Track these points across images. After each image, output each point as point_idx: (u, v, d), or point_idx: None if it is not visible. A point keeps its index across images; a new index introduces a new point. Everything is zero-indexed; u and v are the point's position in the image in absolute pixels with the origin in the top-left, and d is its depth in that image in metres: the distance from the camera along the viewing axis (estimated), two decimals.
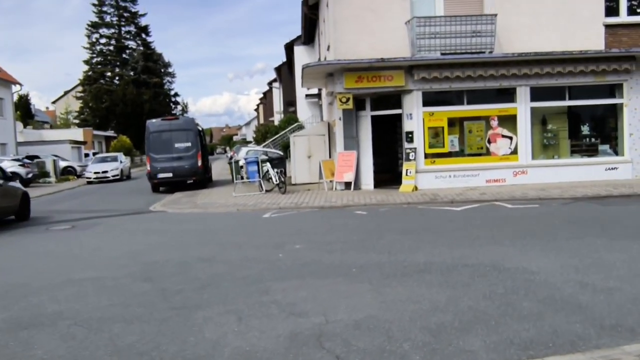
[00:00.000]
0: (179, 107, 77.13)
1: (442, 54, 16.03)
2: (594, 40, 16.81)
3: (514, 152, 17.02)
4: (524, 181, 16.78)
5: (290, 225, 11.62)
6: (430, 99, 17.05)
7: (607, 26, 16.79)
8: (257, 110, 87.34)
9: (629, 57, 16.45)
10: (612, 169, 16.95)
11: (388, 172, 20.20)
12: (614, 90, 17.28)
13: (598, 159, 17.19)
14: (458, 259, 7.44)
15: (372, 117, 17.62)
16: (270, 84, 54.27)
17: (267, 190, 18.46)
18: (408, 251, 8.09)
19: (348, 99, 16.62)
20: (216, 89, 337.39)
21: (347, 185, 17.71)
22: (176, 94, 76.75)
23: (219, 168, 36.83)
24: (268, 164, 18.83)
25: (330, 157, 20.29)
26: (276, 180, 18.16)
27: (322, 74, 17.35)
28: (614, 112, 17.43)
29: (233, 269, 7.51)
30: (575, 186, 15.97)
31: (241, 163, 20.96)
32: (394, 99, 17.37)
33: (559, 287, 5.94)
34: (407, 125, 16.92)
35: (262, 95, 71.20)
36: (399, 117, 17.30)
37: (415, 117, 16.77)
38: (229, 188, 19.93)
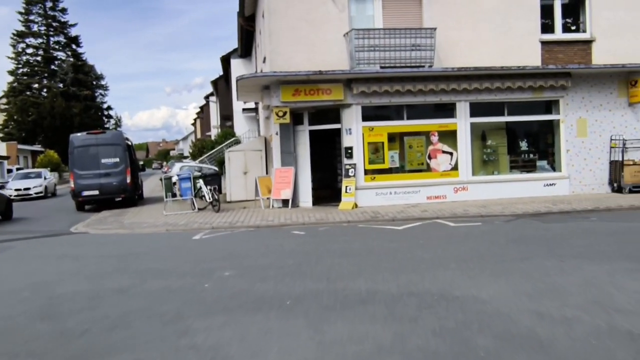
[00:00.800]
0: (112, 121, 74.38)
1: (381, 67, 15.59)
2: (531, 57, 16.81)
3: (455, 168, 16.75)
4: (464, 197, 16.50)
5: (222, 247, 10.71)
6: (369, 114, 16.57)
7: (543, 43, 16.84)
8: (194, 124, 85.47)
9: (564, 74, 16.53)
10: (550, 184, 16.94)
11: (328, 188, 19.61)
12: (550, 106, 17.34)
13: (537, 175, 17.15)
14: (403, 286, 6.78)
15: (311, 131, 16.97)
16: (207, 97, 53.02)
17: (199, 209, 17.43)
18: (349, 277, 7.38)
19: (285, 113, 15.91)
20: (154, 103, 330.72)
21: (285, 202, 16.93)
22: (109, 107, 74.00)
23: (153, 184, 35.27)
24: (201, 181, 17.81)
25: (267, 173, 19.48)
26: (209, 198, 17.17)
27: (258, 86, 16.59)
28: (551, 128, 17.48)
29: (151, 303, 6.56)
30: (515, 202, 15.81)
31: (174, 179, 19.84)
32: (333, 113, 16.80)
33: (515, 319, 5.36)
34: (347, 141, 16.36)
35: (199, 110, 69.63)
36: (338, 132, 16.72)
37: (355, 132, 16.24)
38: (161, 206, 18.75)
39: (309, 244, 10.39)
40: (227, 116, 36.48)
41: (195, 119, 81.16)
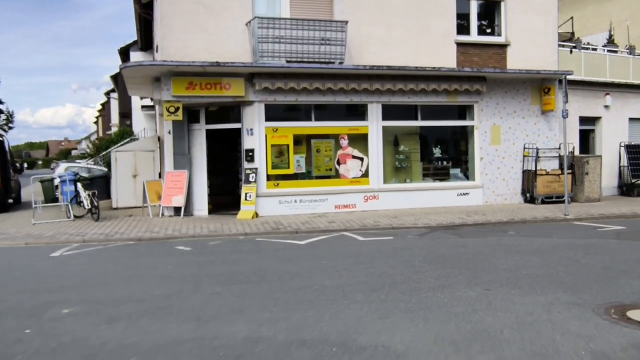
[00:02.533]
0: (2, 117, 68.17)
1: (287, 61, 14.03)
2: (446, 58, 15.87)
3: (365, 174, 15.46)
4: (375, 207, 15.25)
5: (80, 270, 8.65)
6: (274, 113, 14.96)
7: (459, 44, 15.95)
8: (96, 122, 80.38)
9: (480, 78, 15.71)
10: (464, 194, 16.04)
11: (229, 195, 17.81)
12: (465, 112, 16.49)
13: (450, 184, 16.21)
14: (295, 329, 5.19)
15: (208, 131, 15.12)
16: (108, 94, 49.43)
17: (76, 217, 15.06)
18: (226, 316, 5.69)
19: (177, 109, 13.97)
20: (58, 100, 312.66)
21: (177, 210, 14.97)
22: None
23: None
24: (79, 185, 15.43)
25: (160, 176, 17.37)
26: (87, 205, 14.86)
27: (148, 78, 14.53)
28: (465, 134, 16.64)
29: None
30: (428, 212, 14.74)
31: (56, 182, 17.30)
32: (233, 111, 15.06)
33: None
34: (248, 142, 14.65)
35: (100, 107, 65.29)
36: (239, 133, 14.96)
37: (257, 133, 14.56)
38: (44, 212, 16.14)
39: (190, 266, 8.57)
40: (125, 114, 33.64)
41: (97, 117, 76.27)
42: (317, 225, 12.95)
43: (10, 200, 19.61)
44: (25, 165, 51.83)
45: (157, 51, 15.80)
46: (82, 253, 10.13)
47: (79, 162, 26.92)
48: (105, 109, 57.52)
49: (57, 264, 9.18)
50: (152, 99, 16.41)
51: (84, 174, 20.81)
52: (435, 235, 11.45)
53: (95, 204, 14.68)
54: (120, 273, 8.06)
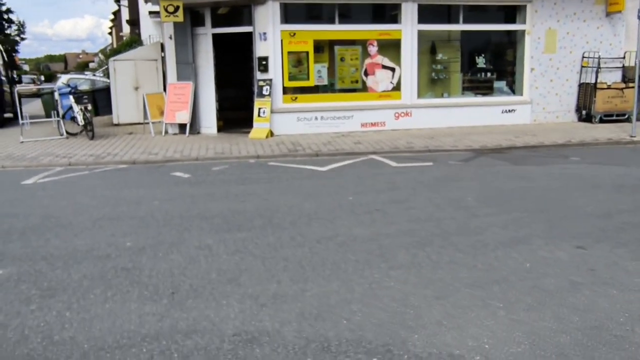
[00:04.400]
0: (13, 27, 65.85)
1: None
2: None
3: (397, 87, 13.34)
4: (407, 125, 13.25)
5: (44, 204, 6.93)
6: (291, 14, 12.74)
7: None
8: (110, 33, 77.53)
9: None
10: (510, 111, 13.89)
11: (242, 109, 15.83)
12: (514, 13, 14.00)
13: (494, 99, 14.03)
14: (311, 318, 3.46)
15: (215, 36, 13.01)
16: (118, 1, 46.61)
17: (70, 134, 13.37)
18: (212, 291, 3.97)
19: (176, 8, 11.83)
20: (77, 11, 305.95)
21: (182, 128, 13.18)
22: (9, 10, 65.01)
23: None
24: (71, 97, 13.60)
25: (165, 89, 15.44)
26: (81, 121, 13.11)
27: None
28: (514, 41, 14.24)
29: None
30: (468, 132, 12.72)
31: (56, 95, 15.52)
32: (244, 12, 12.85)
33: None
34: (261, 49, 12.53)
35: (112, 16, 62.38)
36: (252, 38, 12.80)
37: (271, 38, 12.40)
38: (38, 129, 14.46)
39: (182, 201, 6.83)
40: (133, 21, 31.28)
41: (110, 28, 73.38)
42: (341, 147, 11.09)
43: (9, 115, 17.91)
44: (43, 78, 50.04)
45: None
46: (59, 181, 8.44)
47: (87, 74, 25.01)
48: (117, 18, 54.77)
49: (23, 195, 7.50)
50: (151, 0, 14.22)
51: (85, 87, 18.99)
52: (483, 161, 9.52)
53: (89, 119, 12.93)
54: (93, 211, 6.35)
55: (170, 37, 13.02)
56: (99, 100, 18.13)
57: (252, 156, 10.46)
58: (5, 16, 63.54)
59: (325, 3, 12.73)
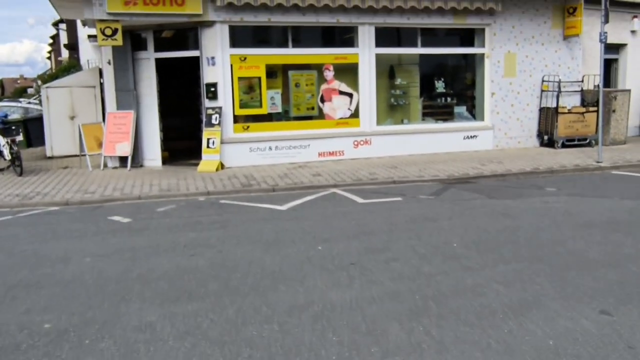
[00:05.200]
0: None
1: None
2: None
3: (355, 114, 12.61)
4: (367, 153, 12.51)
5: None
6: (241, 37, 11.87)
7: None
8: (49, 58, 74.57)
9: None
10: (471, 137, 13.37)
11: (190, 138, 14.78)
12: (473, 37, 13.57)
13: (455, 125, 13.48)
14: None
15: (159, 60, 11.99)
16: (56, 24, 44.55)
17: None
18: None
19: (115, 31, 10.75)
20: (15, 35, 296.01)
21: (123, 160, 12.01)
22: None
23: None
24: None
25: (103, 119, 14.20)
26: (7, 155, 11.76)
27: None
28: (473, 65, 13.80)
29: None
30: (431, 160, 12.08)
31: None
32: (190, 35, 11.91)
33: None
34: (209, 74, 11.57)
35: (50, 40, 59.91)
36: (199, 63, 11.82)
37: (220, 63, 11.47)
38: None
39: (119, 256, 5.74)
40: (72, 45, 29.78)
41: (49, 52, 70.57)
42: (299, 180, 10.20)
43: None
44: None
45: None
46: None
47: (21, 101, 23.29)
48: (55, 42, 52.50)
49: None
50: (84, 23, 13.05)
51: (17, 115, 17.46)
52: (454, 193, 8.81)
53: (16, 153, 11.59)
54: (8, 274, 5.18)
55: (109, 62, 11.92)
56: (32, 130, 16.69)
57: (202, 193, 9.43)
58: None
59: (277, 25, 11.93)
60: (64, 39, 41.21)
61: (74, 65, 26.50)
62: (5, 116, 16.95)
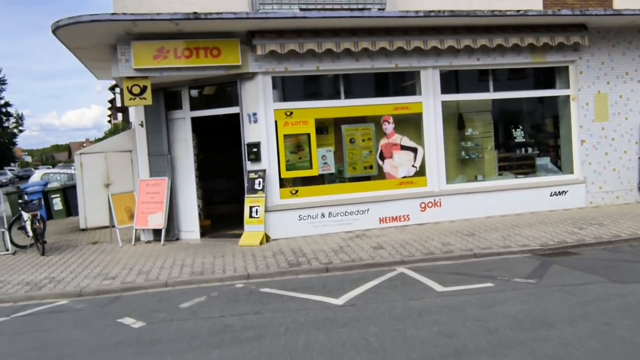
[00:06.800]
0: (11, 120, 64.90)
1: (301, 9, 9.45)
2: (527, 1, 11.14)
3: (420, 172, 10.81)
4: (436, 217, 10.62)
5: None
6: (286, 89, 10.51)
7: None
8: (109, 121, 76.73)
9: (578, 26, 10.92)
10: (560, 193, 11.27)
11: (237, 202, 13.29)
12: (554, 77, 11.69)
13: (540, 180, 11.45)
14: None
15: (195, 119, 10.65)
16: (112, 88, 45.27)
17: (19, 247, 10.77)
18: None
19: (144, 89, 9.49)
20: (84, 102, 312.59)
21: (157, 233, 10.56)
22: (7, 104, 64.15)
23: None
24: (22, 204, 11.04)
25: None
26: (29, 232, 10.53)
27: (105, 48, 10.03)
28: (555, 109, 11.84)
29: None
30: (515, 224, 10.08)
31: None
32: (230, 89, 10.56)
33: None
34: (250, 133, 10.09)
35: (109, 104, 61.37)
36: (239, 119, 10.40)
37: (263, 119, 9.99)
38: None
39: None
40: (122, 108, 29.48)
41: (109, 116, 72.57)
42: (357, 255, 8.42)
43: None
44: (15, 169, 48.11)
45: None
46: None
47: (60, 169, 22.71)
48: (113, 105, 53.55)
49: None
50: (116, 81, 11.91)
51: (55, 184, 16.56)
52: (560, 274, 6.79)
53: (40, 229, 10.31)
54: None
55: (142, 124, 10.68)
56: (71, 198, 15.65)
57: (241, 276, 7.77)
58: (4, 109, 62.62)
59: (327, 74, 10.43)
60: (118, 101, 41.66)
61: (125, 127, 25.99)
62: (46, 184, 16.07)
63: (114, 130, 25.12)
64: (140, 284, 7.71)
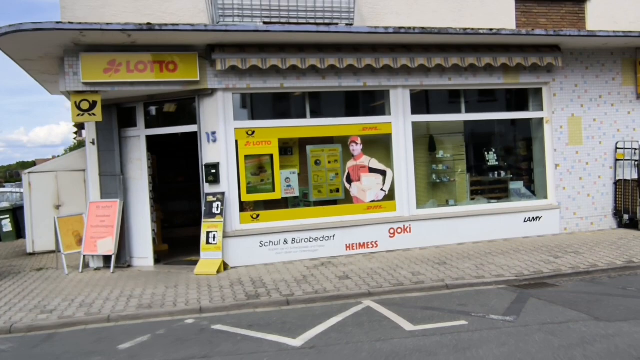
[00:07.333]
0: None
1: (265, 22, 8.90)
2: (501, 21, 10.83)
3: (390, 196, 10.27)
4: (406, 243, 10.08)
5: None
6: (248, 108, 9.86)
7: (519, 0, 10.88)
8: (75, 138, 75.02)
9: (552, 47, 10.61)
10: (534, 219, 10.86)
11: (196, 224, 12.58)
12: (527, 98, 11.35)
13: (514, 205, 11.02)
14: None
15: (150, 138, 9.96)
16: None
17: None
18: None
19: (93, 104, 8.79)
20: (52, 118, 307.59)
21: (108, 260, 9.77)
22: None
23: None
24: None
25: None
26: None
27: (53, 59, 9.32)
28: (528, 132, 11.48)
29: None
30: (489, 252, 9.60)
31: None
32: (187, 106, 9.90)
33: None
34: (209, 153, 9.43)
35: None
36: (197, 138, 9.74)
37: (223, 138, 9.35)
38: None
39: None
40: (81, 124, 28.38)
41: (75, 132, 70.90)
42: (321, 286, 7.80)
43: None
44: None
45: None
46: None
47: (14, 187, 21.60)
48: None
49: None
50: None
51: (5, 204, 15.58)
52: (538, 309, 6.27)
53: None
54: None
55: (93, 142, 9.95)
56: (23, 219, 14.66)
57: (193, 310, 7.07)
58: None
59: (291, 91, 9.88)
60: None
61: (83, 143, 24.99)
62: None
63: (77, 147, 24.08)
64: (80, 318, 6.94)
